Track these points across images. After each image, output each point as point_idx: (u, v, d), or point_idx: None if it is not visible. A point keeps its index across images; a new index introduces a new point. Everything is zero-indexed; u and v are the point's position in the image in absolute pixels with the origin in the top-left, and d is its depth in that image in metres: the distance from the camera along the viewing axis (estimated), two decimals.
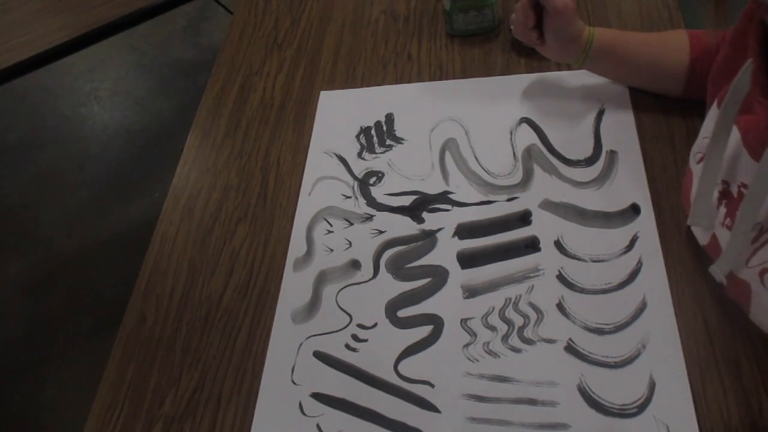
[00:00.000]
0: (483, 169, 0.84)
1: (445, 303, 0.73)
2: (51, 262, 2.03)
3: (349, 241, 0.81)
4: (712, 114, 0.57)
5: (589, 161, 0.82)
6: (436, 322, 0.73)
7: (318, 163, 0.90)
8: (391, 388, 0.69)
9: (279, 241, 0.83)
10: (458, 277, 0.75)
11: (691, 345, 0.65)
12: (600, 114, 0.86)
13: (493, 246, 0.77)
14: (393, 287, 0.76)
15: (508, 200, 0.80)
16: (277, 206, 0.87)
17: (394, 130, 0.92)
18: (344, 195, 0.86)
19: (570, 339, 0.68)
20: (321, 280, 0.78)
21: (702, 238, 0.59)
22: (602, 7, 0.98)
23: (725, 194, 0.55)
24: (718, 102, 0.56)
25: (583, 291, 0.71)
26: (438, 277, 0.76)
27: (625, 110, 0.85)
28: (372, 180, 0.87)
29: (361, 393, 0.69)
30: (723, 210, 0.55)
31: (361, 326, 0.74)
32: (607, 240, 0.74)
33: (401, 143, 0.90)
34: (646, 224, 0.74)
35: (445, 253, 0.77)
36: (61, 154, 2.31)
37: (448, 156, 0.87)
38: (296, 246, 0.82)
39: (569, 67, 0.92)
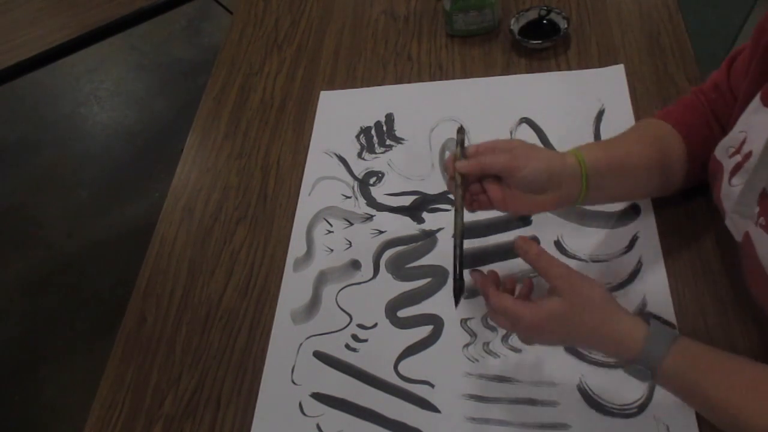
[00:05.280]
0: None
1: (445, 303, 0.73)
2: (51, 262, 2.03)
3: (349, 241, 0.81)
4: (754, 108, 0.56)
5: None
6: (436, 322, 0.72)
7: (318, 163, 0.90)
8: (391, 388, 0.69)
9: (279, 241, 0.83)
10: None
11: None
12: (600, 114, 0.86)
13: (493, 246, 0.77)
14: (393, 287, 0.76)
15: None
16: (277, 206, 0.87)
17: (394, 130, 0.92)
18: (344, 195, 0.86)
19: None
20: (321, 280, 0.78)
21: (737, 234, 0.59)
22: (602, 7, 0.98)
23: (761, 192, 0.55)
24: (764, 98, 0.55)
25: None
26: (438, 277, 0.76)
27: (625, 110, 0.85)
28: (372, 180, 0.87)
29: (361, 393, 0.69)
30: (756, 209, 0.55)
31: (361, 326, 0.74)
32: (607, 240, 0.74)
33: (401, 143, 0.90)
34: (646, 224, 0.74)
35: (445, 253, 0.77)
36: (61, 154, 2.31)
37: (448, 156, 0.87)
38: (296, 246, 0.82)
39: (569, 67, 0.92)
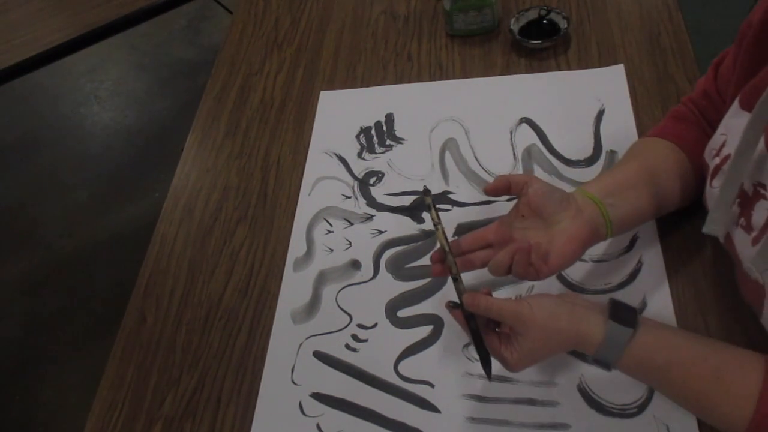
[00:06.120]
0: (483, 169, 0.84)
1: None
2: (51, 262, 2.03)
3: (349, 241, 0.81)
4: (734, 112, 0.57)
5: (589, 161, 0.82)
6: (436, 322, 0.72)
7: (318, 163, 0.90)
8: (391, 388, 0.69)
9: (279, 241, 0.83)
10: None
11: None
12: (600, 114, 0.86)
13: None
14: (393, 287, 0.76)
15: (508, 200, 0.80)
16: (277, 206, 0.87)
17: (394, 130, 0.92)
18: (344, 195, 0.86)
19: None
20: (321, 280, 0.78)
21: (720, 235, 0.59)
22: (602, 7, 0.98)
23: (740, 193, 0.55)
24: (741, 101, 0.56)
25: (583, 291, 0.71)
26: (438, 277, 0.76)
27: (625, 110, 0.85)
28: (372, 180, 0.87)
29: (361, 393, 0.69)
30: (737, 209, 0.55)
31: (361, 326, 0.74)
32: (607, 240, 0.74)
33: (401, 143, 0.90)
34: (646, 224, 0.74)
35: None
36: (61, 154, 2.31)
37: (448, 156, 0.87)
38: (296, 246, 0.82)
39: (569, 67, 0.92)
